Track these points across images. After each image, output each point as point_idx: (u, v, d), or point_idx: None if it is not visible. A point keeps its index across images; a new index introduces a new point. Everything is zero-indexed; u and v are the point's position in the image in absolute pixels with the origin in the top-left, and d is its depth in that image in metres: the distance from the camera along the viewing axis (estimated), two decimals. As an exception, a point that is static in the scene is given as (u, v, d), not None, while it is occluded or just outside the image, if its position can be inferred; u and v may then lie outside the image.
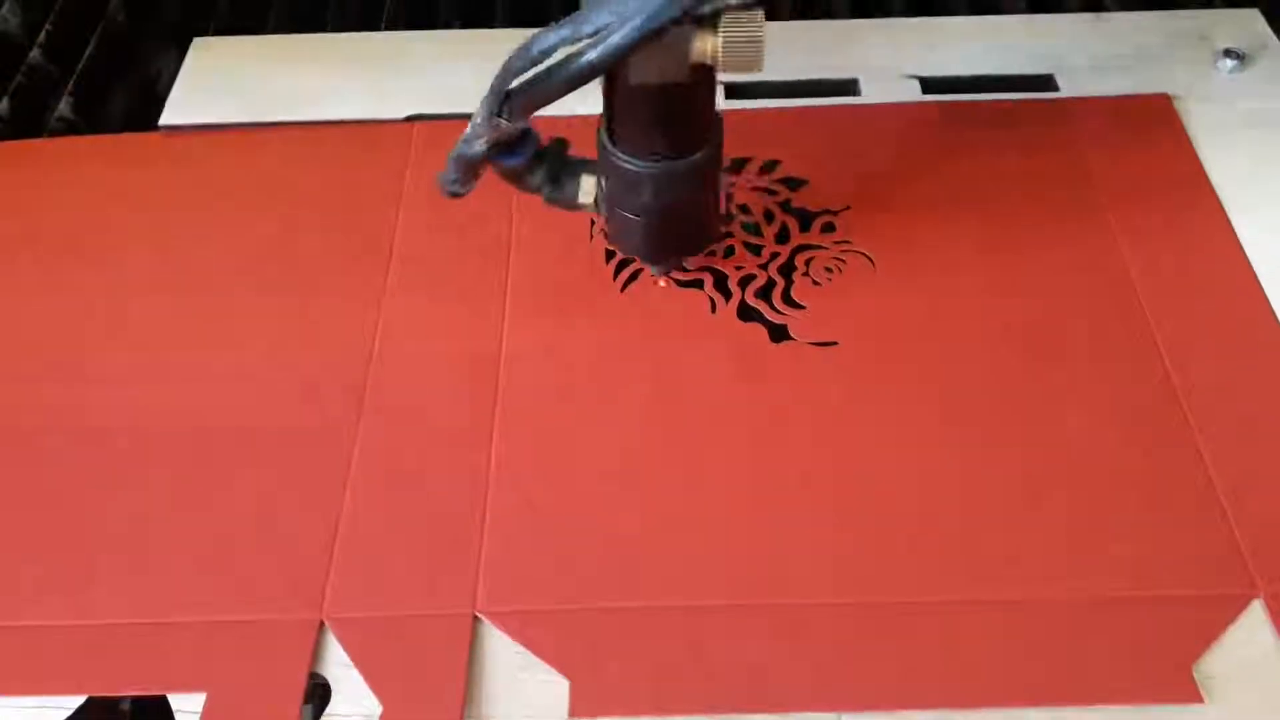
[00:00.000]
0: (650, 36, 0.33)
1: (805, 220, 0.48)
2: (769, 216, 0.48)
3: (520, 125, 0.37)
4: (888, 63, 0.54)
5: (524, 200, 0.44)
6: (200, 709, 0.35)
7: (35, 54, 0.59)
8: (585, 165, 0.42)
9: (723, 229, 0.47)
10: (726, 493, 0.40)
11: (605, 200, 0.41)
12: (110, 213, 0.50)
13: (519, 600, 0.37)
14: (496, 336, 0.44)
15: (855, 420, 0.41)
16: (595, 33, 0.33)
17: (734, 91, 0.54)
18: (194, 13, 0.61)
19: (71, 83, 0.58)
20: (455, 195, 0.39)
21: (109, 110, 0.59)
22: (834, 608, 0.37)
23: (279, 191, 0.50)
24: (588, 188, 0.41)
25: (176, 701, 0.36)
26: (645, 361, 0.44)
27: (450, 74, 0.54)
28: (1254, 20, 0.56)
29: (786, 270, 0.46)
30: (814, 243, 0.47)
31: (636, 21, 0.32)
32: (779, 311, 0.45)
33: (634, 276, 0.46)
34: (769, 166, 0.50)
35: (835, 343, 0.44)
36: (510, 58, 0.34)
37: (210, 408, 0.43)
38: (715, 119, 0.40)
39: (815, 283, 0.46)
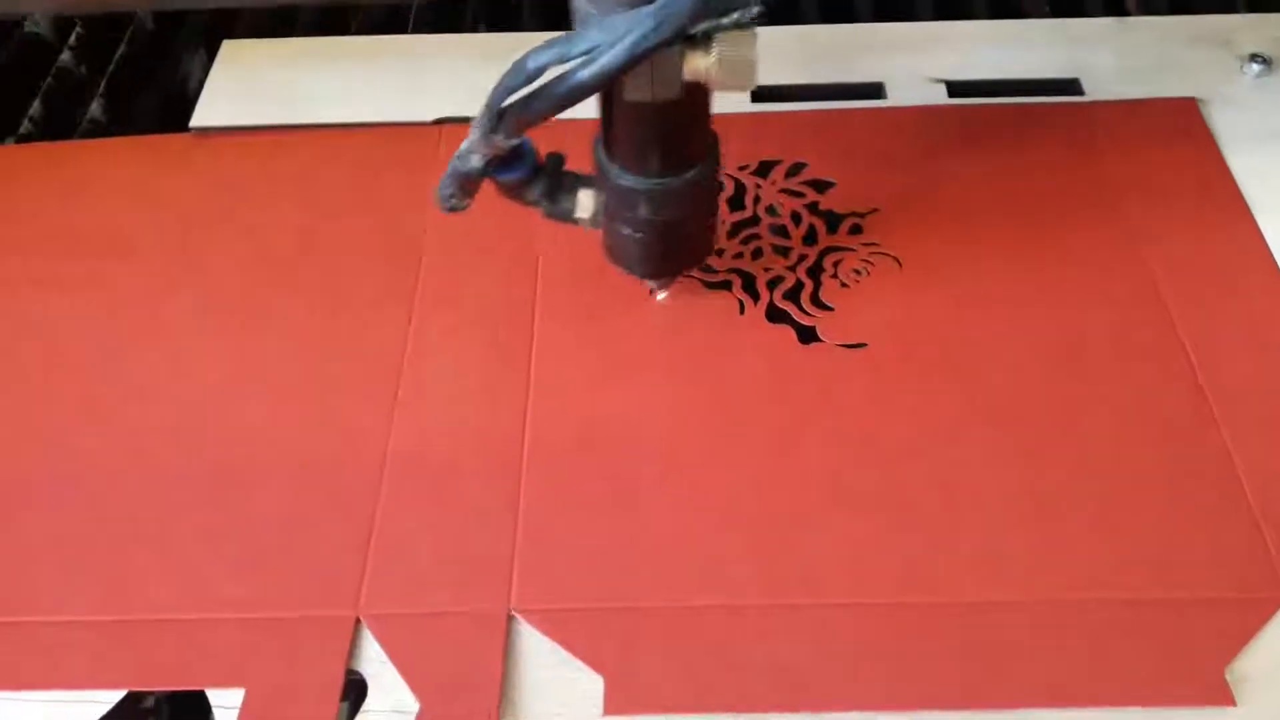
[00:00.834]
0: (641, 57, 0.32)
1: (833, 222, 0.48)
2: (796, 219, 0.49)
3: (514, 141, 0.36)
4: (914, 67, 0.55)
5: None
6: (238, 705, 0.36)
7: (66, 56, 0.60)
8: (582, 180, 0.41)
9: (753, 231, 0.47)
10: (757, 493, 0.40)
11: (604, 215, 0.41)
12: (140, 214, 0.51)
13: (553, 599, 0.37)
14: (528, 336, 0.45)
15: (884, 421, 0.42)
16: (586, 52, 0.33)
17: (760, 95, 0.54)
18: (223, 15, 0.62)
19: (102, 84, 0.59)
20: (454, 210, 0.39)
21: (139, 112, 0.59)
22: (865, 608, 0.37)
23: (308, 193, 0.51)
24: (584, 203, 0.41)
25: (215, 697, 0.36)
26: (675, 362, 0.44)
27: (478, 77, 0.54)
28: (1280, 25, 0.56)
29: (815, 272, 0.47)
30: (842, 244, 0.48)
31: (626, 43, 0.32)
32: (807, 313, 0.45)
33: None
34: (796, 169, 0.50)
35: (864, 344, 0.44)
36: (504, 75, 0.34)
37: (244, 406, 0.43)
38: (712, 135, 0.40)
39: (843, 284, 0.46)
